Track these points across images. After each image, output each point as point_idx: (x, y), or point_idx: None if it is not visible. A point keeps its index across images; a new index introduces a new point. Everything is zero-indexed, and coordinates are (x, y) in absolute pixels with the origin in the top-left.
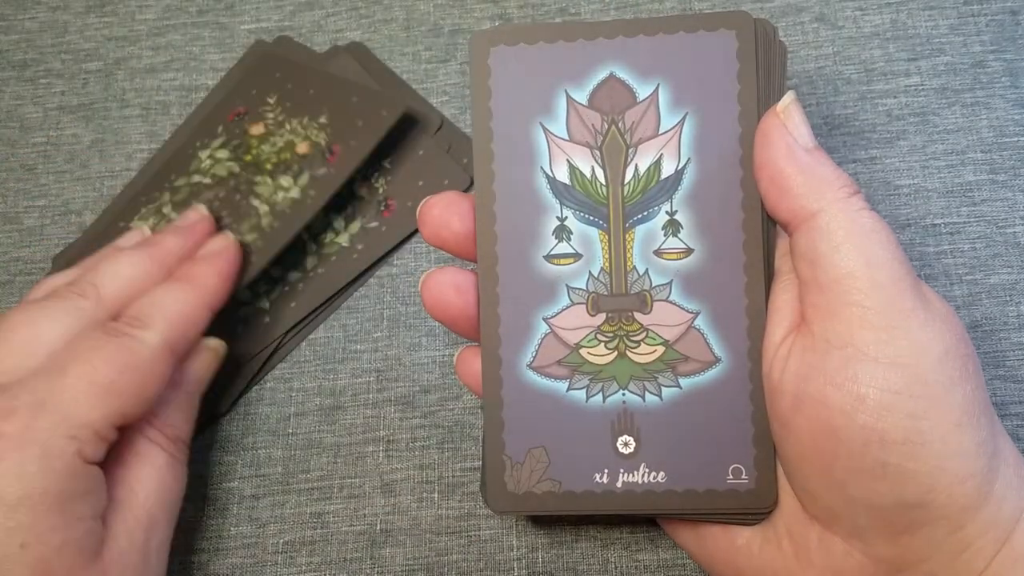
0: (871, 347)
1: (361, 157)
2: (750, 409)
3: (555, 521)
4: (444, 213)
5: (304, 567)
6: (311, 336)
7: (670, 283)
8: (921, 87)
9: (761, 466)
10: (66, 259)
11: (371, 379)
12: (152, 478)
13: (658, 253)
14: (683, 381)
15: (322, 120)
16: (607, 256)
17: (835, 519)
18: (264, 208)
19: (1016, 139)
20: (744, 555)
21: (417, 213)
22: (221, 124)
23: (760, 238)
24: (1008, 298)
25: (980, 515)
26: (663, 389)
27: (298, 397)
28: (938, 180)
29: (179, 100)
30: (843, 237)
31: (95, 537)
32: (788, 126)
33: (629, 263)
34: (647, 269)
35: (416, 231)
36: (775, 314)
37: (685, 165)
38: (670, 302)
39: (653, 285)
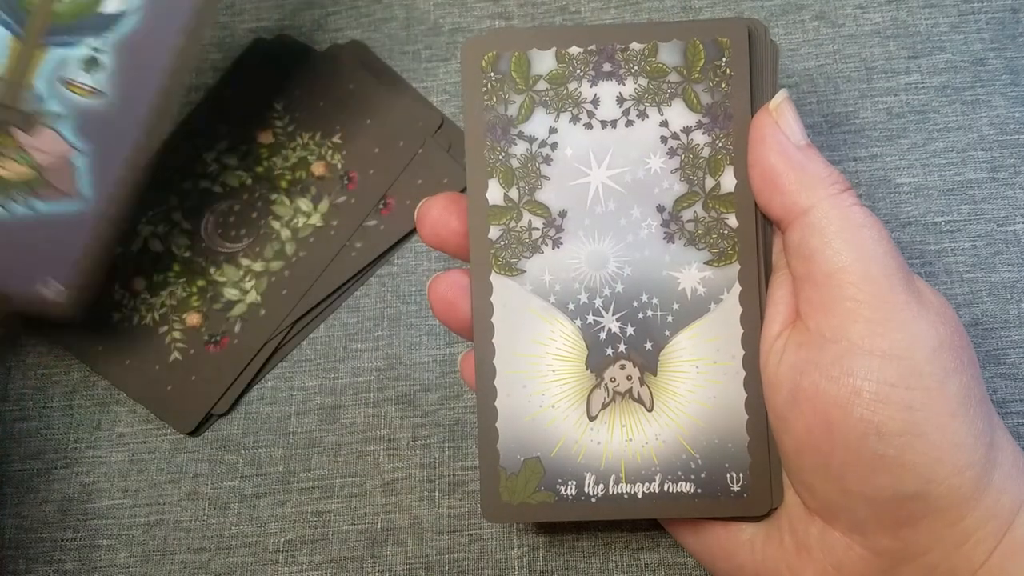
0: (865, 340)
1: (382, 192)
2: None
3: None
4: (442, 214)
5: (305, 566)
6: (312, 335)
7: (65, 116)
8: (921, 85)
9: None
10: None
11: (372, 378)
12: None
13: (65, 82)
14: (37, 204)
15: (336, 140)
16: (11, 65)
17: (835, 513)
18: (286, 233)
19: (1017, 137)
20: (745, 551)
21: (415, 214)
22: (224, 124)
23: None
24: (1009, 296)
25: (979, 506)
26: None
27: (299, 396)
28: (938, 178)
29: (179, 100)
30: (835, 232)
31: None
32: (780, 124)
33: (30, 80)
34: (48, 93)
35: (416, 229)
36: (771, 309)
37: (126, 11)
38: (56, 131)
39: (46, 110)
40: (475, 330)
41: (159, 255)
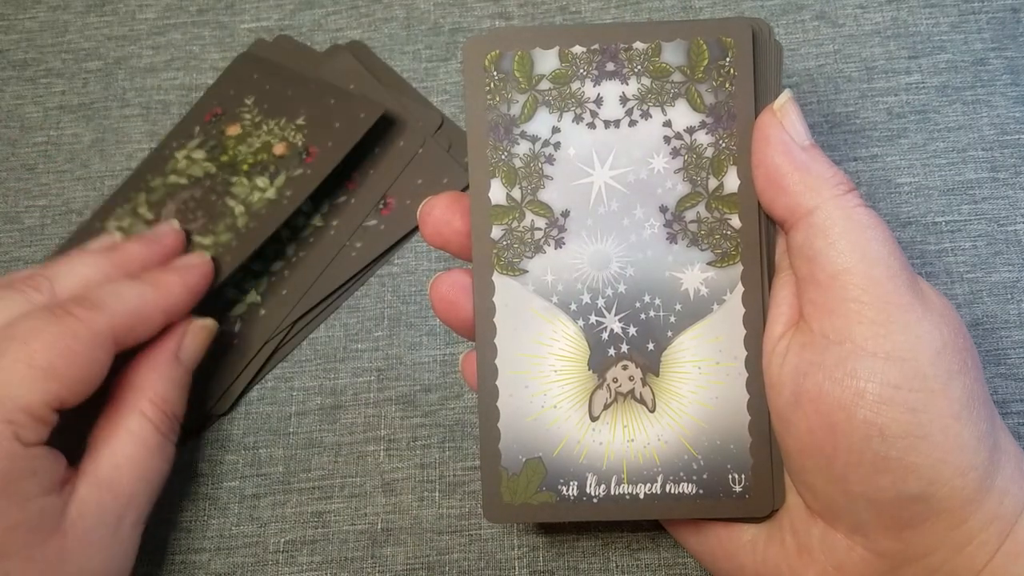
0: (869, 342)
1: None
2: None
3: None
4: (445, 213)
5: (305, 566)
6: (312, 335)
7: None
8: (922, 85)
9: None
10: None
11: (372, 378)
12: (140, 457)
13: None
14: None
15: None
16: None
17: (837, 514)
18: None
19: (1017, 137)
20: (746, 552)
21: (417, 214)
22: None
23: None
24: (1009, 296)
25: (982, 509)
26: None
27: (299, 396)
28: (939, 178)
29: (179, 99)
30: (839, 234)
31: (50, 514)
32: (784, 124)
33: None
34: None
35: (415, 229)
36: (774, 310)
37: None
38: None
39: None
40: (477, 330)
41: None
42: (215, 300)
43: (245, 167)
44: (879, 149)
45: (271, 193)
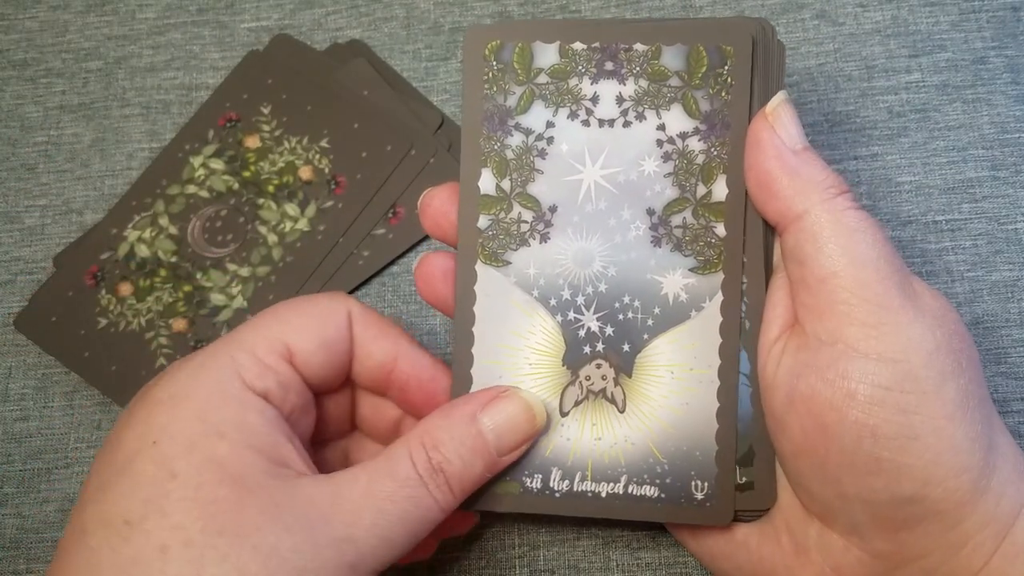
0: (860, 343)
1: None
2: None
3: (556, 519)
4: (444, 204)
5: None
6: None
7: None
8: (922, 84)
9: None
10: (67, 259)
11: None
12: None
13: None
14: None
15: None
16: None
17: (832, 515)
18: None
19: (1017, 135)
20: (743, 551)
21: (418, 203)
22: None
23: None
24: (1010, 295)
25: (977, 510)
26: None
27: None
28: (939, 177)
29: (179, 99)
30: (828, 237)
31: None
32: (776, 127)
33: None
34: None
35: (425, 237)
36: (770, 312)
37: None
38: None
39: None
40: (456, 318)
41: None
42: (200, 306)
43: (271, 188)
44: (879, 148)
45: (303, 224)
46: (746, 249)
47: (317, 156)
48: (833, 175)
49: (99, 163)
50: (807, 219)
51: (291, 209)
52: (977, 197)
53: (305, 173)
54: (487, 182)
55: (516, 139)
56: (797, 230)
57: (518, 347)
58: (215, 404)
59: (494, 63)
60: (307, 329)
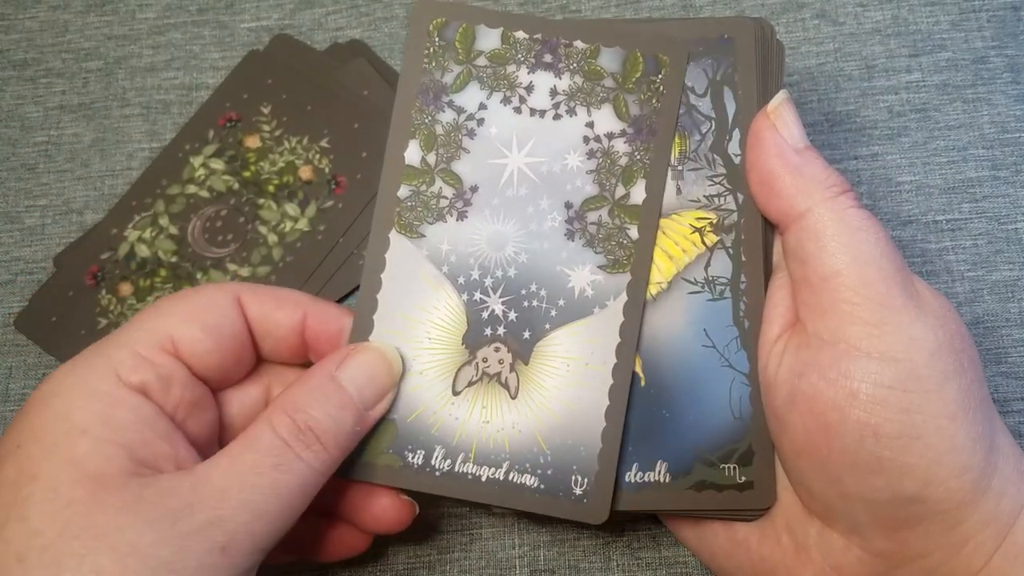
0: (863, 342)
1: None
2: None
3: (556, 518)
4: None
5: (306, 566)
6: None
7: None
8: (922, 83)
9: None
10: (67, 259)
11: None
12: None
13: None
14: None
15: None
16: None
17: (833, 514)
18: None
19: (1018, 135)
20: (743, 550)
21: None
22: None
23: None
24: (1010, 294)
25: (978, 510)
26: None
27: None
28: (939, 176)
29: (179, 99)
30: (830, 236)
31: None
32: (778, 126)
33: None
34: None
35: None
36: (771, 311)
37: None
38: None
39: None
40: (363, 282)
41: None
42: None
43: (271, 188)
44: (880, 147)
45: (303, 224)
46: (745, 248)
47: (317, 156)
48: (835, 174)
49: (99, 163)
50: (810, 218)
51: (291, 209)
52: (977, 197)
53: (305, 173)
54: (413, 153)
55: (448, 116)
56: (799, 229)
57: (420, 320)
58: (82, 402)
59: (437, 39)
60: (190, 318)
